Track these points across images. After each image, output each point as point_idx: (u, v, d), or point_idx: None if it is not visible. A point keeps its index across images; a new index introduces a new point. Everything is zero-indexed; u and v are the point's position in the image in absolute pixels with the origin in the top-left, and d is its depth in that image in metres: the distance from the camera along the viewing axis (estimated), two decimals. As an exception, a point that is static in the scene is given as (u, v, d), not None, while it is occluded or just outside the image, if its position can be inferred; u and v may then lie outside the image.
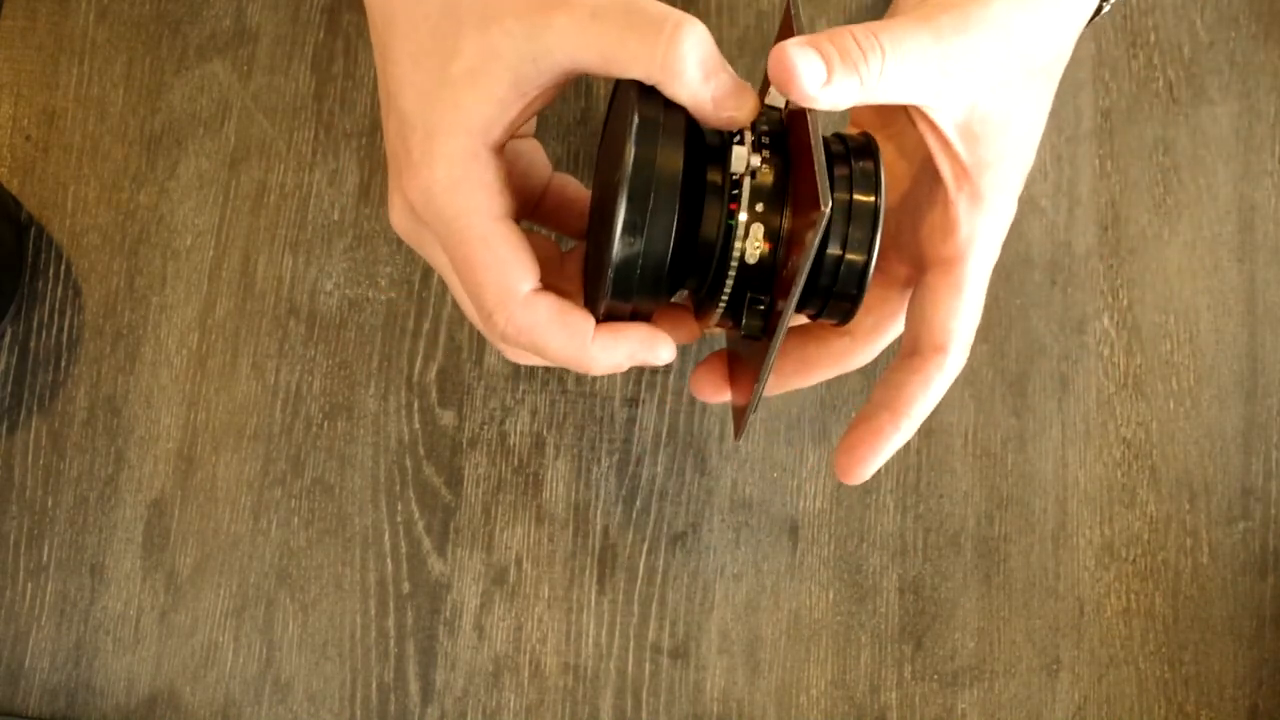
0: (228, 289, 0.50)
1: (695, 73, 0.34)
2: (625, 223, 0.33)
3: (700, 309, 0.39)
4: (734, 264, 0.35)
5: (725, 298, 0.36)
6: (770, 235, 0.35)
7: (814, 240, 0.33)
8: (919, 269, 0.39)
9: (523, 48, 0.34)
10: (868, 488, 0.48)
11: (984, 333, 0.49)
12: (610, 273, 0.34)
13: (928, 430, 0.49)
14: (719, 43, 0.51)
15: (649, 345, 0.36)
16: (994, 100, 0.37)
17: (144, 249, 0.50)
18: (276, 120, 0.51)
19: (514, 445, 0.49)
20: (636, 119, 0.34)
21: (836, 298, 0.36)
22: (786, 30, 0.39)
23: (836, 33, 0.35)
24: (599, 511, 0.48)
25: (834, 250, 0.35)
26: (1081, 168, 0.51)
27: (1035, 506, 0.48)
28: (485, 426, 0.49)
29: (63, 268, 0.50)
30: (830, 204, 0.32)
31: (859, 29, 0.36)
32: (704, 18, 0.52)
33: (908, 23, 0.36)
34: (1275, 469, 0.49)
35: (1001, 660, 0.47)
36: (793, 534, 0.48)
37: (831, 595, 0.48)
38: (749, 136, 0.35)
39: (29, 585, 0.48)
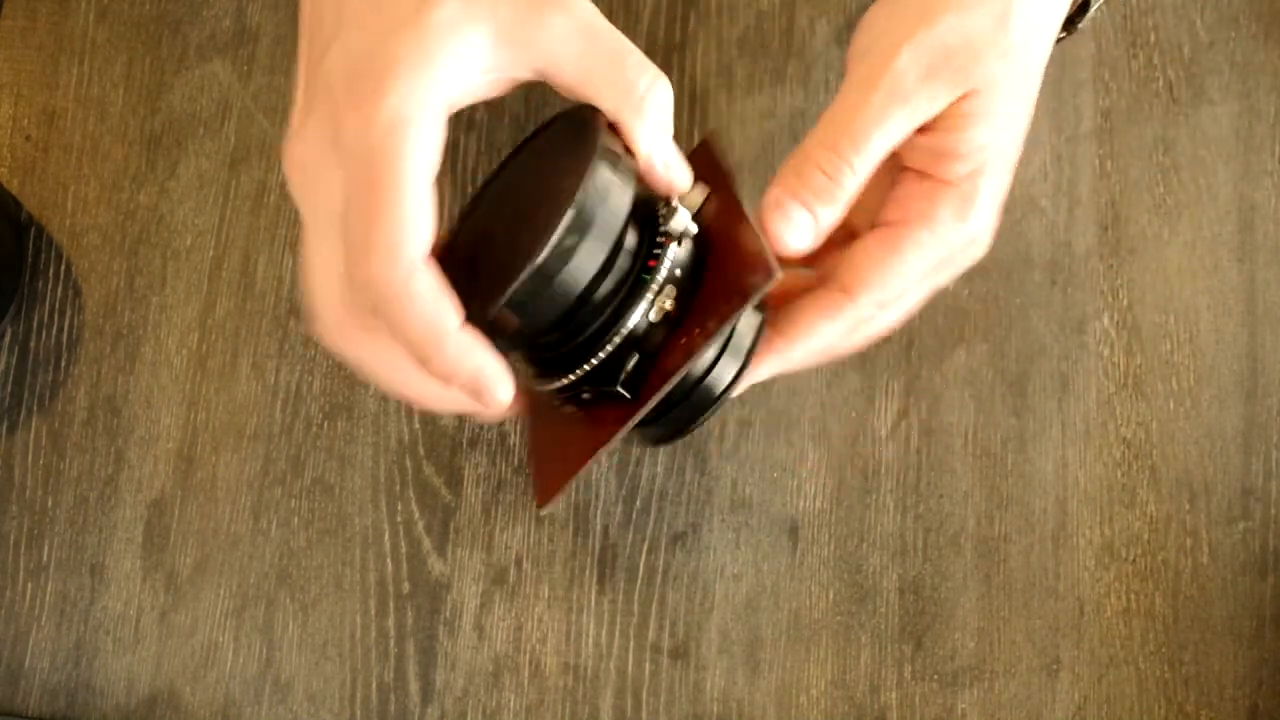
0: (228, 289, 0.50)
1: (662, 122, 0.35)
2: (566, 232, 0.33)
3: (553, 366, 0.37)
4: (634, 318, 0.35)
5: (604, 353, 0.35)
6: (679, 301, 0.35)
7: (747, 301, 0.34)
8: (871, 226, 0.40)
9: (506, 28, 0.33)
10: (867, 488, 0.48)
11: (984, 333, 0.49)
12: (526, 276, 0.33)
13: (928, 430, 0.49)
14: (719, 42, 0.52)
15: (498, 376, 0.34)
16: (968, 102, 0.38)
17: (144, 249, 0.50)
18: (276, 120, 0.51)
19: (514, 445, 0.49)
20: (603, 144, 0.34)
21: (686, 405, 0.37)
22: (705, 158, 0.39)
23: (804, 172, 0.37)
24: (599, 511, 0.48)
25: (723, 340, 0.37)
26: (1081, 168, 0.51)
27: (1035, 506, 0.48)
28: (485, 426, 0.49)
29: (63, 268, 0.50)
30: (779, 271, 0.33)
31: (821, 155, 0.37)
32: (704, 18, 0.52)
33: (874, 104, 0.37)
34: (1275, 469, 0.49)
35: (1001, 660, 0.47)
36: (793, 534, 0.48)
37: (831, 595, 0.48)
38: (684, 209, 0.36)
39: (29, 585, 0.48)
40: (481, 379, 0.34)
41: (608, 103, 0.35)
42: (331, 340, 0.35)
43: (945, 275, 0.40)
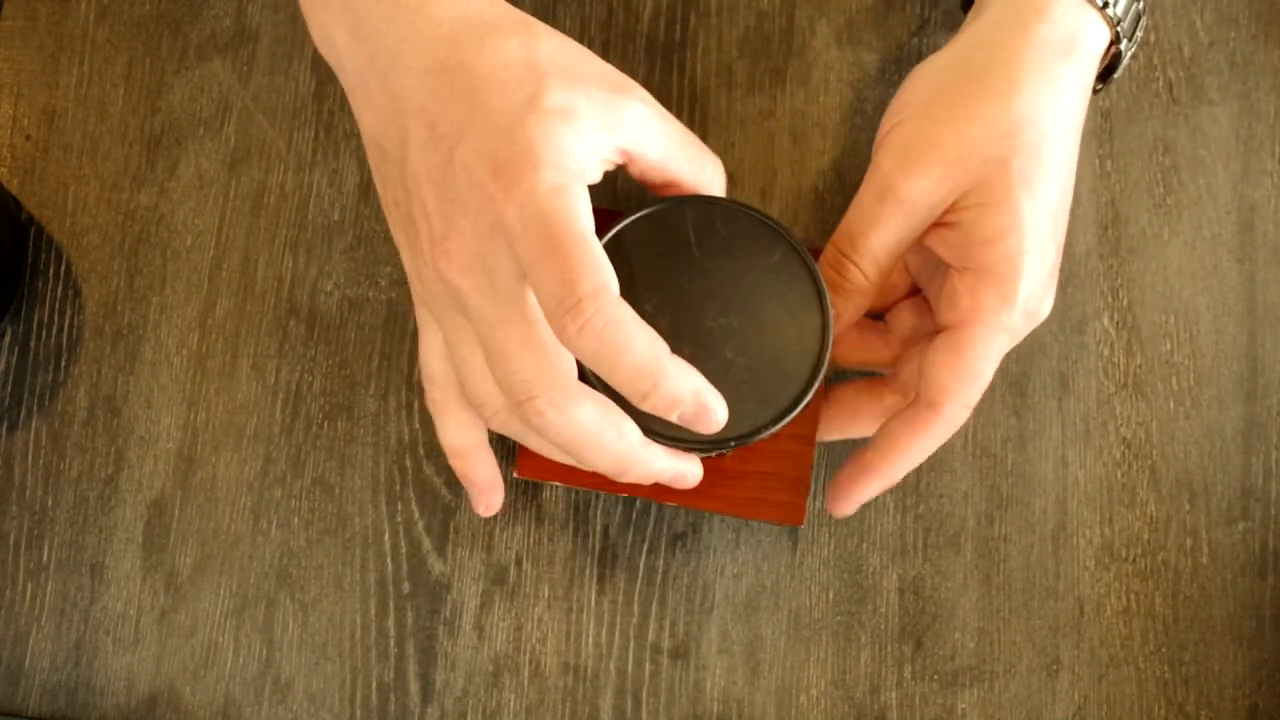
0: (228, 289, 0.50)
1: (723, 190, 0.41)
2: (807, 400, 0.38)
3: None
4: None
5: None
6: None
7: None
8: (937, 329, 0.41)
9: (602, 114, 0.36)
10: (868, 488, 0.48)
11: (984, 333, 0.49)
12: (754, 435, 0.37)
13: (928, 430, 0.49)
14: (719, 42, 0.52)
15: (715, 393, 0.35)
16: (976, 191, 0.39)
17: (144, 249, 0.50)
18: (276, 120, 0.51)
19: (513, 445, 0.49)
20: (825, 286, 0.38)
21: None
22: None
23: (823, 270, 0.41)
24: (599, 511, 0.48)
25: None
26: (1081, 168, 0.51)
27: (1035, 506, 0.48)
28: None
29: (63, 268, 0.50)
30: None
31: (829, 254, 0.41)
32: (704, 18, 0.52)
33: (866, 206, 0.40)
34: (1275, 469, 0.49)
35: (1001, 660, 0.47)
36: (793, 534, 0.48)
37: (831, 595, 0.48)
38: None
39: (29, 585, 0.48)
40: (703, 398, 0.34)
41: (688, 178, 0.39)
42: (541, 416, 0.35)
43: (1012, 344, 0.41)
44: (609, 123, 0.36)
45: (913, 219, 0.40)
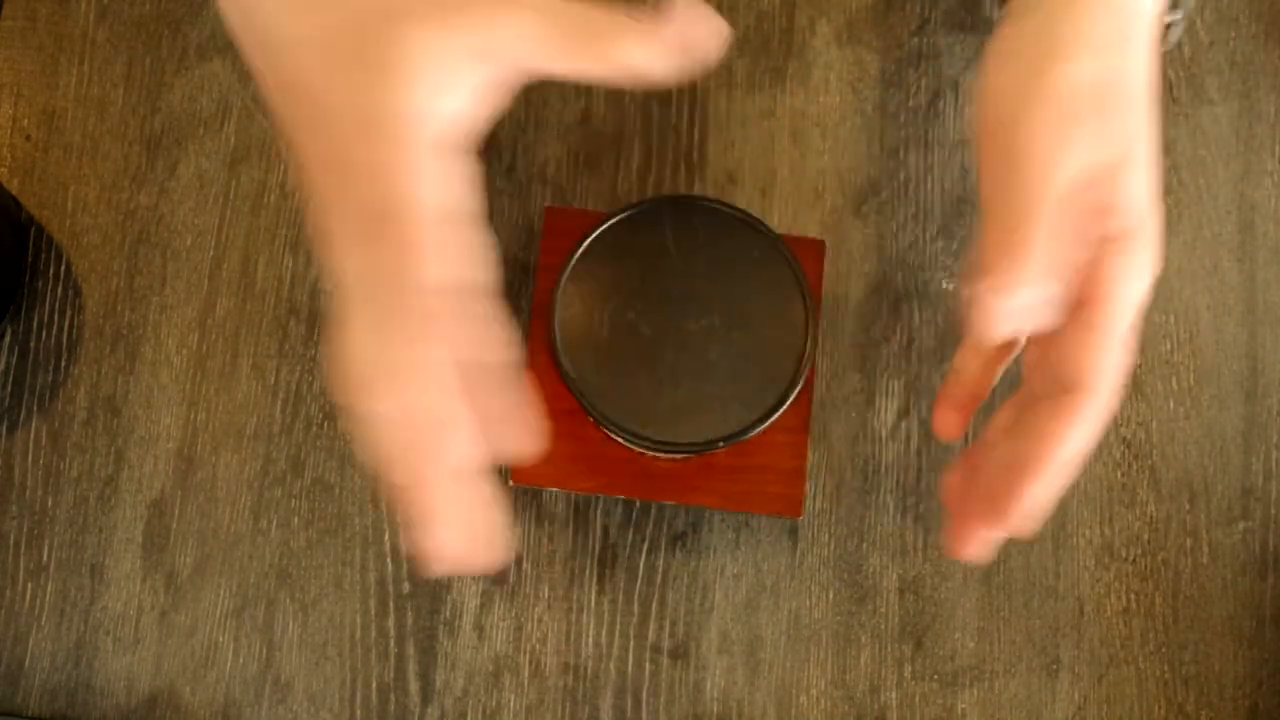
0: (228, 289, 0.50)
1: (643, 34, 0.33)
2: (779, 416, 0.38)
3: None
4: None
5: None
6: None
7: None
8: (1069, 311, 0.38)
9: (475, 41, 0.32)
10: (867, 488, 0.48)
11: (984, 333, 0.49)
12: (722, 441, 0.38)
13: (928, 430, 0.49)
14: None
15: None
16: (1094, 160, 0.37)
17: (144, 249, 0.50)
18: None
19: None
20: (806, 279, 0.39)
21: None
22: None
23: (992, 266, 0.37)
24: (599, 511, 0.48)
25: None
26: (1081, 168, 0.51)
27: (1035, 506, 0.48)
28: (485, 426, 0.49)
29: (63, 268, 0.50)
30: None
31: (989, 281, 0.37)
32: (704, 18, 0.52)
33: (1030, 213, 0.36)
34: (1275, 469, 0.49)
35: (1001, 660, 0.47)
36: (793, 534, 0.48)
37: (831, 595, 0.48)
38: None
39: (29, 585, 0.48)
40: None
41: (595, 71, 0.33)
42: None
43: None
44: (487, 47, 0.32)
45: (1056, 202, 0.36)
